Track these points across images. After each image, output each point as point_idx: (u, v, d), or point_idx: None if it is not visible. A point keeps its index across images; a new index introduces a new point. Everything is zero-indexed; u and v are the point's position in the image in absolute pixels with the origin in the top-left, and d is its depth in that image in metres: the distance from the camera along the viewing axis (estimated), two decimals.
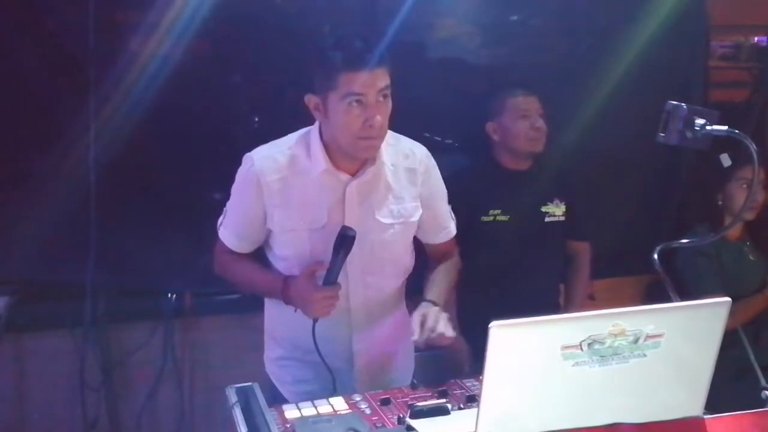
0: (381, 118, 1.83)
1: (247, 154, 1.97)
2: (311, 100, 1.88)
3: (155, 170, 2.74)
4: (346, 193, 1.93)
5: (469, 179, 2.74)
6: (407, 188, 2.01)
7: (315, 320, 1.90)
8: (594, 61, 3.00)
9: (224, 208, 2.05)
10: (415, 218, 2.04)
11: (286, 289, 1.93)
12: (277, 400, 2.05)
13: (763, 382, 2.72)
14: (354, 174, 1.94)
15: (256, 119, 2.87)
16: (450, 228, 2.15)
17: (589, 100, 2.95)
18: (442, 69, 3.01)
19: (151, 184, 2.75)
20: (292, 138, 2.00)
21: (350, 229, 1.87)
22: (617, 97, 2.97)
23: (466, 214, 2.67)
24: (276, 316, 2.11)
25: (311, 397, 1.78)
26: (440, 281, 2.09)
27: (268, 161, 1.93)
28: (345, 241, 1.86)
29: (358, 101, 1.80)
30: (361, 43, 1.81)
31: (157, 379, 2.93)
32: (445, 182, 2.15)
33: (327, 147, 1.92)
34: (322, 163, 1.91)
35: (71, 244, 2.66)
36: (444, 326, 1.86)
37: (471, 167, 2.82)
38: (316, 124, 1.96)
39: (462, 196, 2.65)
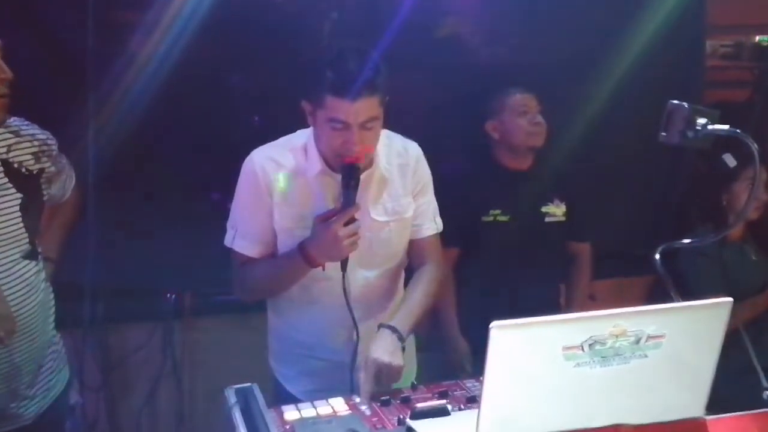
0: (362, 146, 1.84)
1: (249, 155, 1.98)
2: (306, 105, 1.89)
3: (154, 170, 2.73)
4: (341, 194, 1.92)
5: (470, 179, 2.74)
6: (401, 184, 2.03)
7: (344, 265, 1.89)
8: (594, 61, 2.99)
9: (228, 224, 2.03)
10: (409, 214, 2.05)
11: (306, 249, 1.88)
12: (280, 396, 2.05)
13: (764, 382, 2.71)
14: None
15: (256, 119, 2.86)
16: (437, 222, 2.13)
17: (589, 100, 2.94)
18: (442, 68, 3.00)
19: (151, 184, 2.75)
20: (292, 138, 2.01)
21: (350, 159, 1.85)
22: (618, 97, 2.96)
23: (466, 214, 2.67)
24: (292, 320, 2.10)
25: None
26: (412, 305, 2.01)
27: (268, 161, 1.95)
28: (351, 171, 1.85)
29: (340, 126, 1.81)
30: (353, 67, 1.78)
31: (156, 379, 2.93)
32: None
33: (320, 150, 1.94)
34: (318, 165, 1.93)
35: (70, 244, 2.64)
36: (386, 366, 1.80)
37: (471, 167, 2.82)
38: None
39: (462, 196, 2.65)
